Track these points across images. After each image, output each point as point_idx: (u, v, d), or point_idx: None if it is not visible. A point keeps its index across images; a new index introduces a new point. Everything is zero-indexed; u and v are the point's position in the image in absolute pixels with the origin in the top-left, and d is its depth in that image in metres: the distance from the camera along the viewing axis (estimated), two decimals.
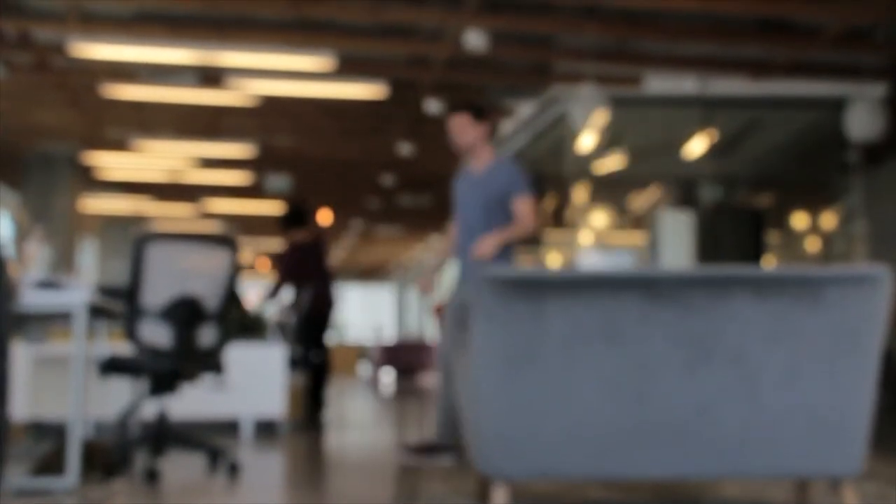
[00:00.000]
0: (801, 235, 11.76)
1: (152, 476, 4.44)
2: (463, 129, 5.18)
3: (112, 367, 4.71)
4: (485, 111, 5.23)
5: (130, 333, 4.61)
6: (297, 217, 8.01)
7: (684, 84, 9.51)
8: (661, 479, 2.92)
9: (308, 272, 8.02)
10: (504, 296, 2.83)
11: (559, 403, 2.85)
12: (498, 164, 5.15)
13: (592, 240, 11.39)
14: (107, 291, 4.89)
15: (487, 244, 4.89)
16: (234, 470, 4.75)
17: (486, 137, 5.21)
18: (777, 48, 8.67)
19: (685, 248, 10.52)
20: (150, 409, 5.40)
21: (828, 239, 11.12)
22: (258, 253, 25.73)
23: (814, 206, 11.44)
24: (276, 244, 24.11)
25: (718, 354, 2.86)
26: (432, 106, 10.06)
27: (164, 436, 4.74)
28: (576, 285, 2.84)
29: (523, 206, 5.00)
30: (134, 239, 4.62)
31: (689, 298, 2.85)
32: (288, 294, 7.99)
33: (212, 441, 5.04)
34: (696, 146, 9.95)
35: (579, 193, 10.74)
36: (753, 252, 10.49)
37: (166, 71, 9.54)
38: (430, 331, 23.84)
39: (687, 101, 9.73)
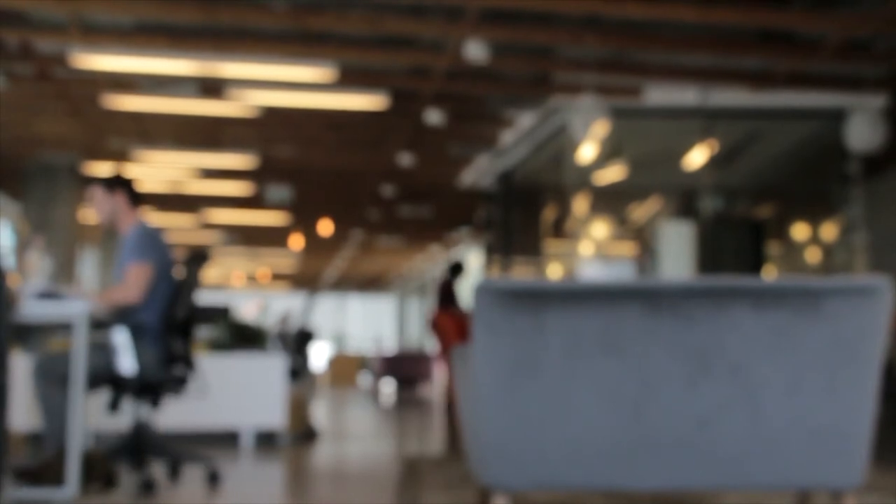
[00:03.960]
0: (802, 246, 11.76)
1: (149, 487, 4.44)
2: (97, 202, 5.05)
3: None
4: (118, 181, 5.06)
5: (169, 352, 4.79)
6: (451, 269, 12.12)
7: (685, 95, 9.51)
8: (662, 491, 2.91)
9: (442, 304, 11.73)
10: (504, 307, 2.83)
11: (559, 414, 2.85)
12: (130, 233, 4.99)
13: (593, 251, 11.39)
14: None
15: (93, 302, 4.67)
16: (213, 479, 4.77)
17: (125, 206, 5.04)
18: (777, 59, 8.68)
19: (685, 259, 10.51)
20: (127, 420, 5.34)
21: (828, 250, 11.12)
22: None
23: (814, 217, 11.44)
24: (276, 255, 24.13)
25: (718, 366, 2.86)
26: (433, 116, 10.06)
27: (143, 446, 4.77)
28: (576, 296, 2.84)
29: (127, 274, 4.84)
30: (190, 257, 4.89)
31: (690, 310, 2.85)
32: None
33: (179, 449, 5.03)
34: (697, 157, 9.95)
35: (579, 204, 10.74)
36: (754, 263, 10.49)
37: (167, 81, 9.55)
38: (429, 341, 23.82)
39: (687, 111, 9.74)
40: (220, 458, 5.82)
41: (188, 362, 4.90)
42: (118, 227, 5.09)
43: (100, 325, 4.76)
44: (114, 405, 4.72)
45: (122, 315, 4.80)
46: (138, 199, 5.12)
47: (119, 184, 5.07)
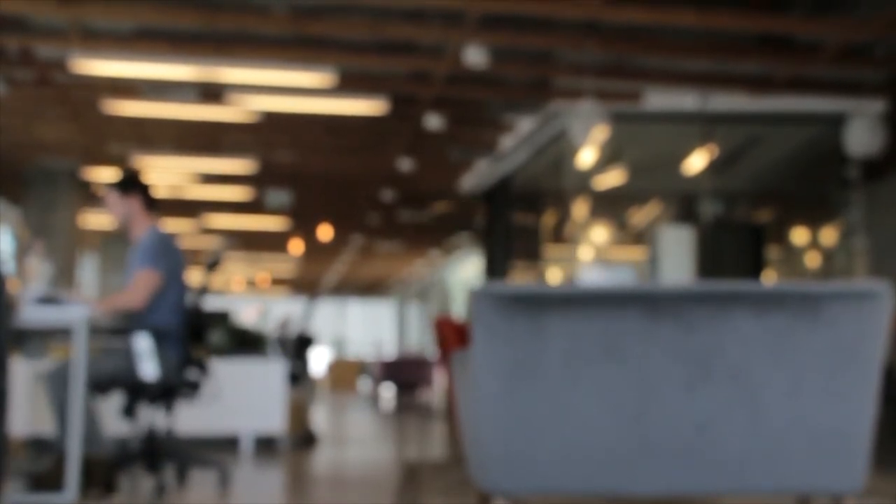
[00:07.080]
0: (802, 251, 11.76)
1: (161, 491, 4.46)
2: (111, 205, 5.01)
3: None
4: (134, 183, 5.01)
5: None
6: None
7: (684, 100, 9.52)
8: (662, 496, 2.91)
9: None
10: (504, 311, 2.83)
11: (559, 419, 2.85)
12: (143, 238, 4.93)
13: (592, 255, 11.39)
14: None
15: (92, 307, 4.61)
16: (224, 482, 4.80)
17: (139, 210, 4.98)
18: (777, 64, 8.68)
19: (685, 263, 10.51)
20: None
21: (828, 254, 11.12)
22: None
23: (814, 222, 11.44)
24: (276, 260, 24.13)
25: (719, 370, 2.86)
26: (432, 121, 10.07)
27: (158, 451, 4.78)
28: (576, 301, 2.84)
29: (136, 279, 4.79)
30: (213, 258, 4.95)
31: (690, 314, 2.85)
32: None
33: (192, 453, 5.04)
34: (696, 162, 9.95)
35: (579, 209, 10.75)
36: (754, 267, 10.48)
37: (167, 87, 9.56)
38: (430, 346, 23.79)
39: (687, 116, 9.74)
40: None
41: (202, 366, 4.91)
42: (131, 231, 5.02)
43: (117, 331, 4.76)
44: (129, 410, 4.72)
45: (139, 320, 4.78)
46: (154, 203, 5.07)
47: (134, 186, 5.02)
